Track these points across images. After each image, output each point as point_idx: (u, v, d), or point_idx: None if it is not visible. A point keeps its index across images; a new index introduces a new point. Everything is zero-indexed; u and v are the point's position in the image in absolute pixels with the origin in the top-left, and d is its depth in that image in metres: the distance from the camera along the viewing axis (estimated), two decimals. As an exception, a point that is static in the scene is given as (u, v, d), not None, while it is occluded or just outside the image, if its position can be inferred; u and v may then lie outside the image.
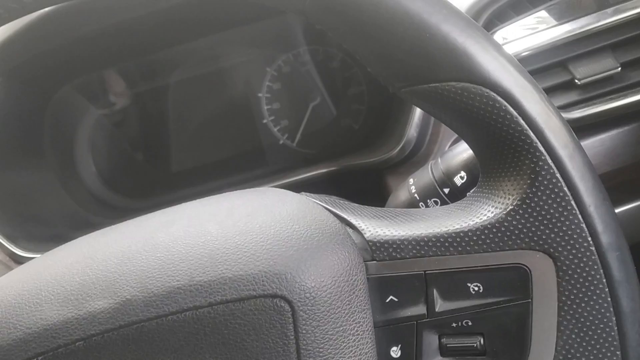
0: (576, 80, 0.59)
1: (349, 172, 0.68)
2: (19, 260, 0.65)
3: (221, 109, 0.83)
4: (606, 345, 0.36)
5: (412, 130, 0.61)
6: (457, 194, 0.47)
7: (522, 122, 0.35)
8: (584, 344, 0.36)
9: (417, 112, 0.61)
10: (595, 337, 0.36)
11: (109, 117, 0.84)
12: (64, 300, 0.36)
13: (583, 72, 0.59)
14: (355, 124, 0.81)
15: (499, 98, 0.35)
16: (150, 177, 0.85)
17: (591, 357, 0.36)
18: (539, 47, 0.60)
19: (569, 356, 0.36)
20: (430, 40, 0.35)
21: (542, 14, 0.62)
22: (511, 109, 0.35)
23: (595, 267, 0.35)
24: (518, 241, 0.36)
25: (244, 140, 0.83)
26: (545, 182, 0.35)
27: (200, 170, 0.84)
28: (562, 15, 0.61)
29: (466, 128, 0.37)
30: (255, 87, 0.81)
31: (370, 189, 0.66)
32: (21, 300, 0.37)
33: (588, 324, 0.36)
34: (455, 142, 0.62)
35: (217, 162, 0.84)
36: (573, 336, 0.36)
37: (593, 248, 0.35)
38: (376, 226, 0.38)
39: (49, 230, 0.72)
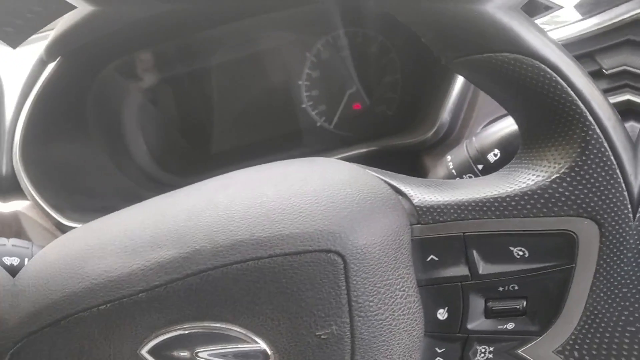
0: (604, 70, 0.61)
1: (387, 152, 0.71)
2: (64, 230, 0.69)
3: (260, 92, 0.86)
4: (632, 300, 0.38)
5: (446, 114, 0.64)
6: (490, 170, 0.49)
7: (571, 92, 0.37)
8: (610, 301, 0.38)
9: (452, 98, 0.64)
10: (621, 295, 0.38)
11: (142, 95, 0.87)
12: (131, 253, 0.39)
13: (610, 63, 0.61)
14: (390, 110, 0.84)
15: (548, 70, 0.37)
16: (193, 157, 0.88)
17: (616, 314, 0.38)
18: (567, 39, 0.62)
19: (595, 312, 0.39)
20: (479, 17, 0.37)
21: (568, 10, 0.65)
22: (560, 80, 0.37)
23: (631, 232, 0.37)
24: (565, 208, 0.38)
25: (282, 122, 0.85)
26: (594, 151, 0.37)
27: (240, 151, 0.87)
28: (590, 8, 0.63)
29: (514, 98, 0.39)
30: (296, 75, 0.84)
31: (407, 170, 0.69)
32: (88, 253, 0.40)
33: (616, 283, 0.38)
34: (487, 125, 0.65)
35: (255, 144, 0.87)
36: (602, 294, 0.38)
37: (631, 215, 0.37)
38: (423, 193, 0.41)
39: (99, 202, 0.75)
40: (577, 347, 0.39)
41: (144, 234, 0.40)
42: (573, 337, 0.39)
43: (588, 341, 0.39)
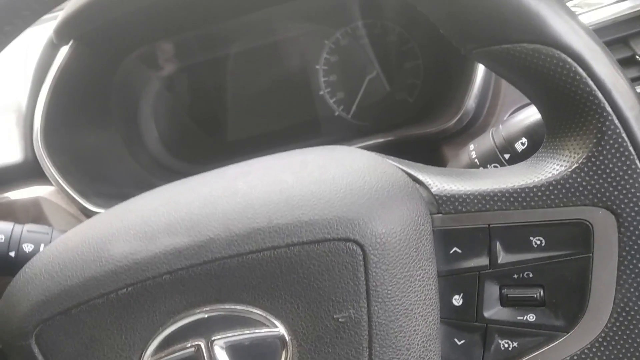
0: (637, 57, 0.59)
1: (405, 142, 0.70)
2: (89, 215, 0.70)
3: (278, 80, 0.86)
4: None
5: (471, 101, 0.62)
6: (517, 160, 0.48)
7: (590, 83, 0.36)
8: None
9: (477, 83, 0.62)
10: None
11: (160, 83, 0.87)
12: (151, 237, 0.39)
13: (644, 48, 0.60)
14: (411, 97, 0.83)
15: (569, 59, 0.36)
16: (208, 145, 0.88)
17: None
18: (601, 22, 0.60)
19: (627, 309, 0.37)
20: (504, 2, 0.36)
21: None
22: (581, 70, 0.36)
23: None
24: (582, 197, 0.37)
25: (299, 111, 0.85)
26: (611, 142, 0.36)
27: (256, 140, 0.87)
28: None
29: (535, 89, 0.39)
30: (313, 59, 0.84)
31: (426, 160, 0.68)
32: (112, 237, 0.40)
33: None
34: (514, 113, 0.63)
35: (272, 132, 0.87)
36: (632, 290, 0.37)
37: None
38: (442, 182, 0.40)
39: (116, 189, 0.76)
40: (607, 345, 0.38)
41: (159, 221, 0.40)
42: (603, 334, 0.38)
43: (618, 338, 0.38)
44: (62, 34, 0.72)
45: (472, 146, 0.52)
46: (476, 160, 0.51)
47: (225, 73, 0.87)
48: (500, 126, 0.51)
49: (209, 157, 0.88)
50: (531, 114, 0.49)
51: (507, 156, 0.49)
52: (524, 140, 0.48)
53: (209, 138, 0.89)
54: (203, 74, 0.87)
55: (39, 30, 0.76)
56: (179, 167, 0.87)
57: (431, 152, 0.69)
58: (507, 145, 0.49)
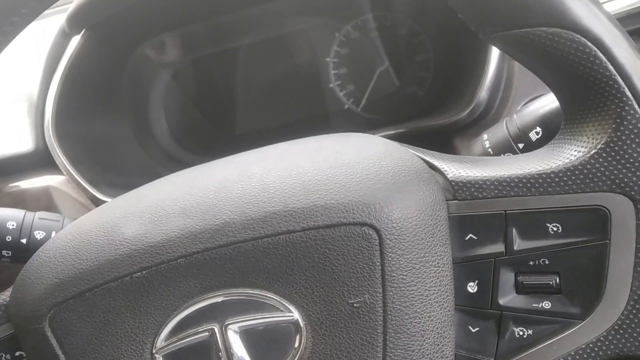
0: (651, 49, 0.59)
1: (416, 134, 0.70)
2: (99, 204, 0.69)
3: (288, 73, 0.86)
4: None
5: (484, 93, 0.62)
6: (530, 149, 0.48)
7: (610, 67, 0.36)
8: None
9: (489, 75, 0.62)
10: None
11: (170, 75, 0.87)
12: (166, 221, 0.39)
13: (658, 41, 0.59)
14: (421, 90, 0.83)
15: (589, 43, 0.36)
16: (216, 137, 0.89)
17: None
18: (614, 15, 0.60)
19: None
20: None
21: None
22: (600, 55, 0.36)
23: None
24: (600, 183, 0.37)
25: (309, 104, 0.85)
26: (630, 127, 0.36)
27: (265, 133, 0.88)
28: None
29: (553, 74, 0.38)
30: (324, 52, 0.84)
31: (437, 151, 0.68)
32: (126, 221, 0.40)
33: None
34: (527, 103, 0.63)
35: (281, 125, 0.87)
36: None
37: None
38: (458, 168, 0.40)
39: (126, 179, 0.76)
40: (623, 332, 0.38)
41: (175, 205, 0.40)
42: (619, 322, 0.38)
43: (635, 326, 0.38)
44: (74, 23, 0.72)
45: (485, 136, 0.52)
46: (490, 149, 0.51)
47: (235, 65, 0.87)
48: (515, 115, 0.50)
49: (217, 149, 0.88)
50: (546, 103, 0.49)
51: (521, 145, 0.49)
52: (538, 129, 0.48)
53: (217, 131, 0.89)
54: (213, 67, 0.88)
55: (51, 20, 0.76)
56: (188, 159, 0.87)
57: (443, 143, 0.69)
58: (522, 135, 0.49)
